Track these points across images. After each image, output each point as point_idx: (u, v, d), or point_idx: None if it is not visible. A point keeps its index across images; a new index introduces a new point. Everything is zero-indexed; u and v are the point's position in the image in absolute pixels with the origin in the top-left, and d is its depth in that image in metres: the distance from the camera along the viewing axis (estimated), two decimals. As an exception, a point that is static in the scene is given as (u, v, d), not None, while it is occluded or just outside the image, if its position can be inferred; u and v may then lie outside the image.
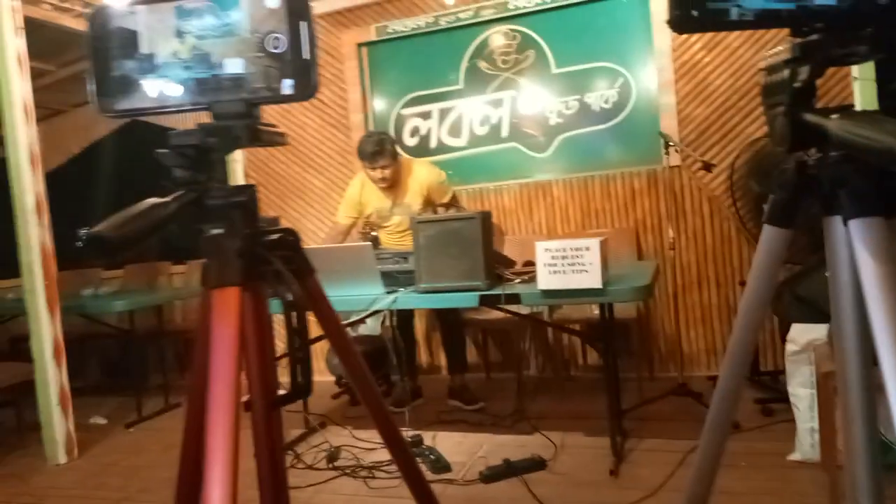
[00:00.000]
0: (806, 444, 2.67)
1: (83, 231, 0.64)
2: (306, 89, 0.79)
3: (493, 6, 4.41)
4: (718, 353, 4.10)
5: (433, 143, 4.66)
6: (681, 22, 0.75)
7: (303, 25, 0.81)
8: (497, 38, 4.46)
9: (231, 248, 0.81)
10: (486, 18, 4.44)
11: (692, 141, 4.04)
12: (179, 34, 0.83)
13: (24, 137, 3.53)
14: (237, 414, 0.70)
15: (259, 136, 0.81)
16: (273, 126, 0.81)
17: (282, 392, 0.82)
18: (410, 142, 4.70)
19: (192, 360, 0.90)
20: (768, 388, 3.60)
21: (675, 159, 3.91)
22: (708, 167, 3.40)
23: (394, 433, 1.01)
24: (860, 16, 0.74)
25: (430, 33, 4.58)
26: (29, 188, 3.52)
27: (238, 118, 0.81)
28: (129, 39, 0.84)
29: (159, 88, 0.83)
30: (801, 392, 2.70)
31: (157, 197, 0.73)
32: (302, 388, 0.78)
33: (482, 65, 4.50)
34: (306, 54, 0.80)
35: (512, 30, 4.42)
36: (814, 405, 2.65)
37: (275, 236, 0.87)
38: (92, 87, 0.84)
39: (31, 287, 3.54)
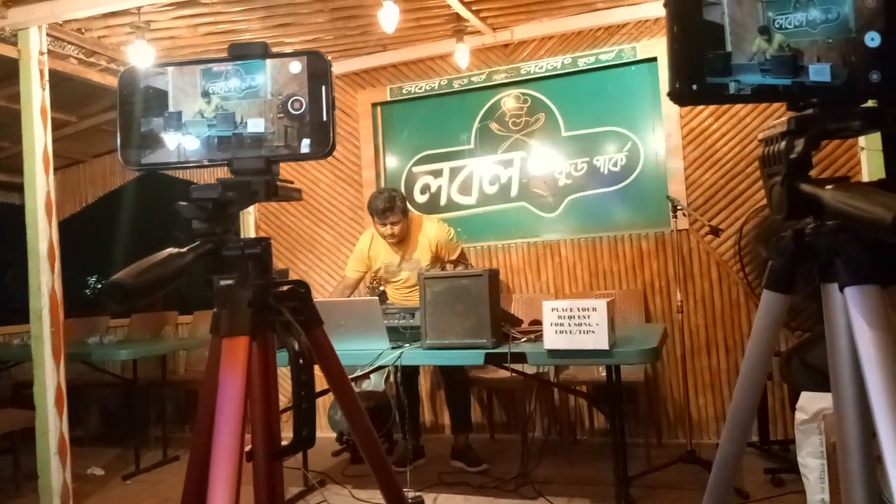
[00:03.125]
0: (816, 517, 2.61)
1: (103, 282, 0.66)
2: (324, 148, 0.83)
3: (506, 71, 4.54)
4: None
5: (443, 201, 4.72)
6: (681, 95, 0.78)
7: (324, 89, 0.85)
8: (508, 101, 4.58)
9: (242, 297, 0.83)
10: (499, 82, 4.56)
11: (700, 206, 4.09)
12: (205, 94, 0.87)
13: (42, 186, 3.61)
14: (240, 462, 0.71)
15: (276, 192, 0.85)
16: (290, 182, 0.85)
17: (284, 443, 0.83)
18: (421, 199, 4.77)
19: (199, 407, 0.91)
20: (778, 457, 3.53)
21: (682, 223, 3.94)
22: (716, 232, 3.43)
23: (396, 494, 1.01)
24: (853, 93, 0.78)
25: (444, 95, 4.71)
26: (43, 235, 3.59)
27: (257, 174, 0.84)
28: (158, 98, 0.88)
29: (183, 144, 0.87)
30: (811, 462, 2.65)
31: (172, 247, 0.76)
32: (305, 439, 0.79)
33: (493, 126, 4.61)
34: (325, 116, 0.84)
35: (523, 93, 4.54)
36: (824, 476, 2.60)
37: (285, 288, 0.89)
38: (119, 141, 0.88)
39: (39, 333, 3.56)
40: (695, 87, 0.77)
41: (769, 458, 3.57)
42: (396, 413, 3.74)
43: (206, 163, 0.87)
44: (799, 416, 2.70)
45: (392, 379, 3.94)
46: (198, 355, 5.09)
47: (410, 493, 3.27)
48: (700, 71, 0.77)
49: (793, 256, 0.83)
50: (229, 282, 0.86)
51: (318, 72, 0.86)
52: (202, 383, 0.89)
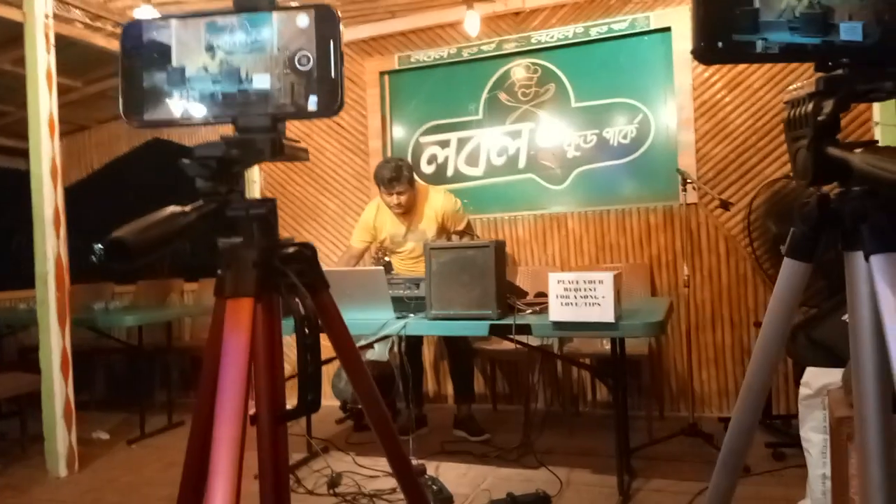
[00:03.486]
0: (817, 491, 2.61)
1: (103, 239, 0.64)
2: (332, 106, 0.80)
3: (516, 40, 4.47)
4: (731, 394, 4.04)
5: (450, 172, 4.68)
6: (706, 53, 0.75)
7: (331, 44, 0.82)
8: (518, 70, 4.51)
9: (247, 258, 0.81)
10: (509, 52, 4.49)
11: (710, 179, 4.04)
12: (210, 49, 0.84)
13: (48, 151, 3.59)
14: (244, 426, 0.69)
15: (282, 150, 0.82)
16: (296, 141, 0.82)
17: (289, 407, 0.82)
18: (428, 169, 4.73)
19: (202, 370, 0.90)
20: (780, 432, 3.53)
21: (692, 197, 3.90)
22: (726, 205, 3.39)
23: (402, 460, 1.00)
24: (886, 52, 0.74)
25: (453, 64, 4.64)
26: (49, 201, 3.57)
27: (262, 132, 0.81)
28: (161, 52, 0.85)
29: (187, 101, 0.84)
30: (814, 437, 2.65)
31: (174, 206, 0.74)
32: (311, 403, 0.77)
33: (502, 96, 4.55)
34: (333, 72, 0.81)
35: (533, 63, 4.47)
36: (826, 451, 2.60)
37: (291, 249, 0.87)
38: (120, 97, 0.86)
39: (44, 298, 3.57)
40: (720, 44, 0.74)
41: (771, 432, 3.57)
42: (400, 382, 3.76)
43: (210, 120, 0.84)
44: (803, 391, 2.70)
45: (396, 349, 3.94)
46: (202, 322, 5.10)
47: (413, 461, 3.29)
48: (726, 28, 0.74)
49: (816, 223, 0.81)
50: (235, 242, 0.84)
51: (326, 26, 0.83)
52: (206, 346, 0.87)
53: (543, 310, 2.94)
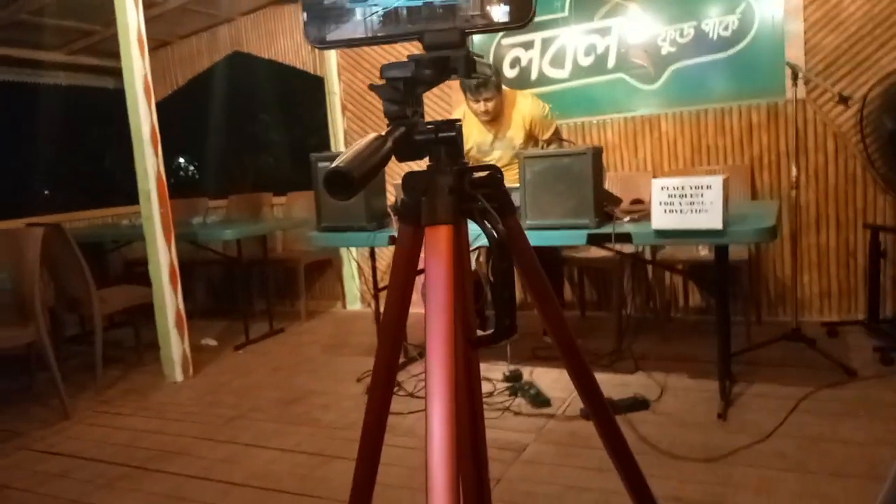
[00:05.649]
0: (936, 398, 2.53)
1: (330, 168, 0.63)
2: (525, 14, 0.74)
3: (603, -74, 4.15)
4: (833, 297, 3.90)
5: (534, 75, 4.51)
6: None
7: None
8: (606, -39, 4.22)
9: (443, 185, 0.79)
10: (595, -60, 4.19)
11: (819, 72, 3.74)
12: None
13: (139, 68, 3.64)
14: (458, 350, 0.70)
15: (475, 67, 0.78)
16: (481, 56, 0.78)
17: (482, 333, 0.82)
18: (510, 73, 4.57)
19: (386, 301, 0.90)
20: (887, 335, 3.42)
21: (801, 92, 3.64)
22: (844, 100, 3.16)
23: (582, 369, 0.98)
24: None
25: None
26: (145, 119, 3.65)
27: (453, 48, 0.77)
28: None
29: (370, 17, 0.80)
30: (934, 343, 2.55)
31: (374, 133, 0.72)
32: (508, 328, 0.77)
33: (589, -10, 4.28)
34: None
35: (622, -48, 4.16)
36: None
37: (483, 174, 0.84)
38: (303, 18, 0.82)
39: (149, 214, 3.72)
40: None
41: (878, 336, 3.46)
42: (489, 290, 3.79)
43: (397, 37, 0.80)
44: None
45: (483, 258, 3.95)
46: (293, 235, 5.25)
47: (509, 367, 3.36)
48: None
49: None
50: (427, 167, 0.82)
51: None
52: (391, 274, 0.87)
53: (642, 217, 2.87)
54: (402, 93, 0.75)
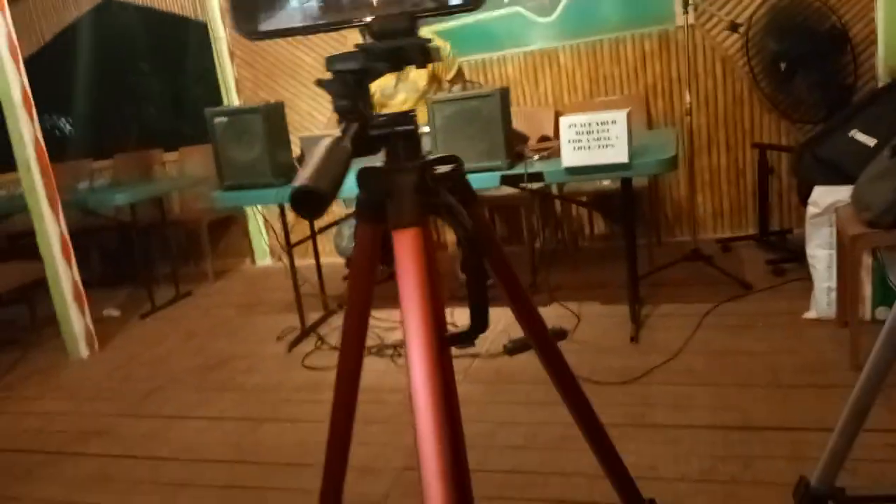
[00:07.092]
0: (822, 303, 2.77)
1: (294, 188, 0.57)
2: (476, -3, 0.69)
3: None
4: (725, 215, 4.14)
5: (429, 12, 4.39)
6: None
7: None
8: None
9: (408, 184, 0.75)
10: None
11: (704, -2, 3.86)
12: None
13: (2, 27, 3.29)
14: (438, 348, 0.68)
15: (430, 55, 0.72)
16: (429, 40, 0.72)
17: (454, 330, 0.80)
18: (405, 11, 4.43)
19: (348, 302, 0.87)
20: (777, 248, 3.67)
21: (692, 18, 3.73)
22: (735, 27, 3.26)
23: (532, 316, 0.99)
24: None
25: None
26: (14, 81, 3.33)
27: (403, 35, 0.71)
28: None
29: (308, 3, 0.73)
30: (820, 253, 2.76)
31: (329, 136, 0.66)
32: (479, 326, 0.76)
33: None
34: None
35: None
36: (832, 265, 2.72)
37: (444, 168, 0.81)
38: (230, 5, 0.74)
39: (31, 185, 3.44)
40: None
41: (769, 249, 3.72)
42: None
43: (342, 24, 0.73)
44: (811, 210, 2.77)
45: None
46: (193, 193, 4.99)
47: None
48: None
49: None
50: (383, 165, 0.78)
51: None
52: (350, 276, 0.84)
53: (552, 154, 2.91)
54: (351, 86, 0.69)
